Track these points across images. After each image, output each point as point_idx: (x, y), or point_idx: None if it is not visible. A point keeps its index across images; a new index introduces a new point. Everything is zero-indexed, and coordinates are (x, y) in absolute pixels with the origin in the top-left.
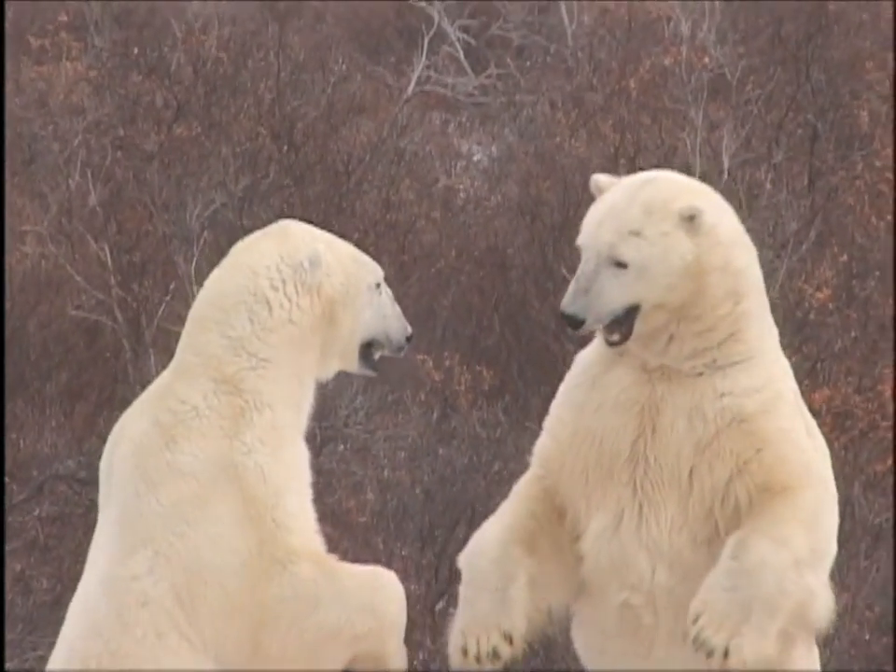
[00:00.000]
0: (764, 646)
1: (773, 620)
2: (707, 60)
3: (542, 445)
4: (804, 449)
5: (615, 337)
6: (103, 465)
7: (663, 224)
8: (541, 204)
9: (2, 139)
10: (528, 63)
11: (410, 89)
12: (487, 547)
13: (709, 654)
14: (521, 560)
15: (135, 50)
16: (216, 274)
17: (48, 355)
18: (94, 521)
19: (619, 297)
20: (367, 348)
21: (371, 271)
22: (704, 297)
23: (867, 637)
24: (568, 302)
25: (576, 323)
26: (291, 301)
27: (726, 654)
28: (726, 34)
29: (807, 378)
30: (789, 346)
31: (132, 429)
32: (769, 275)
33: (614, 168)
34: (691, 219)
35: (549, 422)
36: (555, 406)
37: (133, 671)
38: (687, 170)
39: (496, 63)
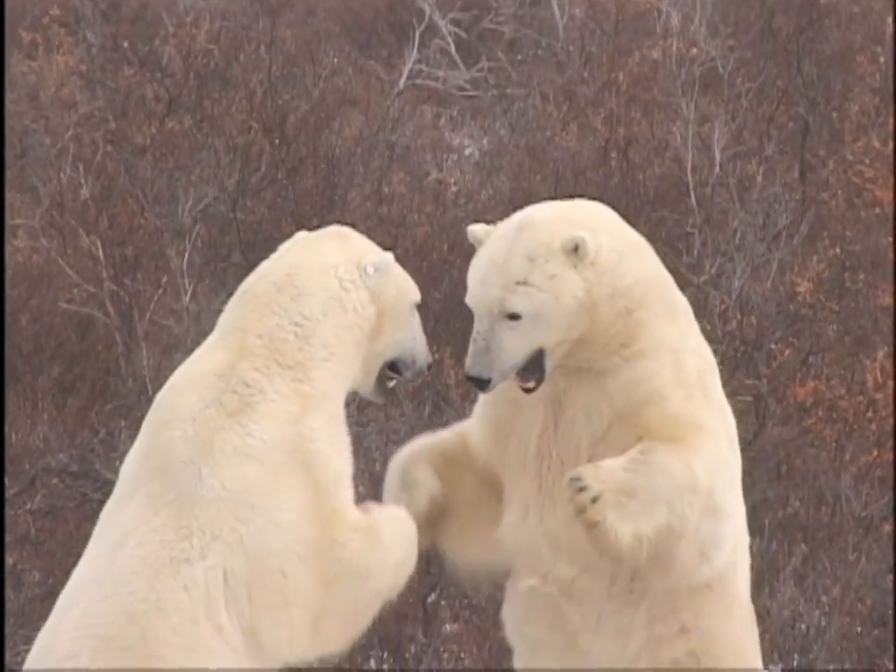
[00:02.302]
0: (627, 529)
1: (647, 517)
2: (696, 52)
3: (472, 430)
4: (691, 433)
5: (530, 384)
6: (142, 443)
7: (547, 267)
8: (533, 197)
9: (1, 134)
10: (520, 57)
11: (401, 82)
12: (404, 453)
13: (579, 491)
14: (427, 477)
15: (126, 44)
16: (273, 266)
17: (39, 348)
18: (87, 513)
19: (519, 348)
20: (384, 372)
21: (415, 290)
22: (600, 323)
23: (858, 630)
24: (471, 364)
25: (482, 383)
26: (362, 305)
27: (594, 500)
28: (717, 26)
29: (798, 371)
30: (780, 340)
31: (187, 410)
32: (761, 267)
33: (606, 161)
34: (574, 251)
35: (475, 410)
36: (480, 399)
37: (163, 670)
38: (678, 163)
39: (487, 56)
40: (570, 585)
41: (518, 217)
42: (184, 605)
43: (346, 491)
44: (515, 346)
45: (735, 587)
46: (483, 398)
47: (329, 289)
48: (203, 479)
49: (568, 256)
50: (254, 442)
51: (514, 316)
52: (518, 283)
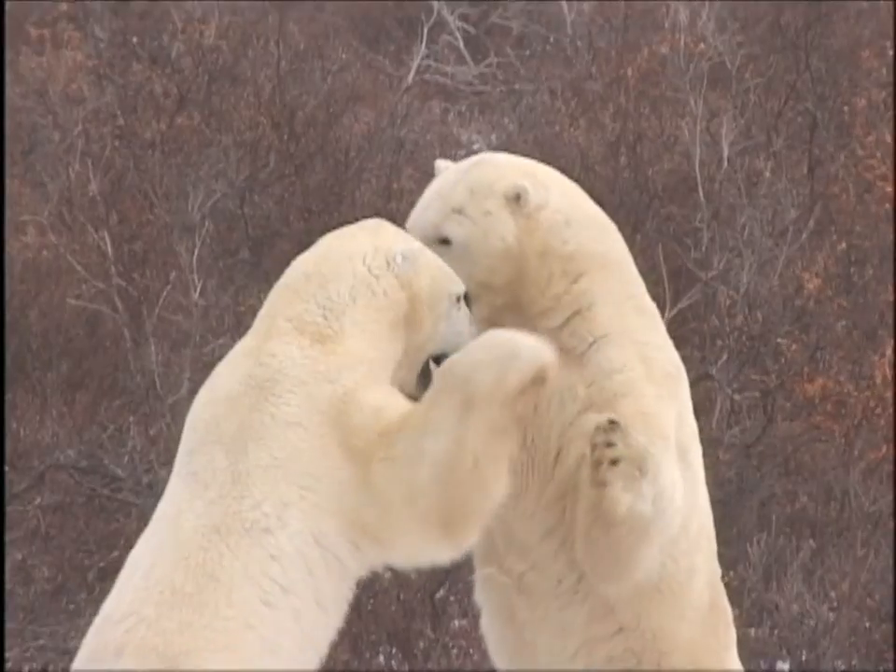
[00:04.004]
0: (626, 501)
1: (643, 502)
2: (704, 48)
3: None
4: (659, 439)
5: None
6: (187, 429)
7: (486, 203)
8: None
9: (1, 130)
10: (528, 52)
11: (409, 77)
12: None
13: (607, 445)
14: None
15: (135, 40)
16: (306, 257)
17: (48, 344)
18: (96, 509)
19: None
20: (428, 368)
21: (456, 282)
22: (527, 279)
23: (867, 625)
24: None
25: None
26: (392, 290)
27: (613, 462)
28: (725, 22)
29: (806, 366)
30: (787, 335)
31: (221, 389)
32: (769, 262)
33: (615, 156)
34: (516, 199)
35: None
36: None
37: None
38: (686, 158)
39: (495, 51)
40: (520, 579)
41: (479, 155)
42: (275, 573)
43: (390, 410)
44: None
45: (689, 592)
46: None
47: (358, 275)
48: (249, 452)
49: (508, 201)
50: (291, 409)
51: (445, 241)
52: (454, 210)
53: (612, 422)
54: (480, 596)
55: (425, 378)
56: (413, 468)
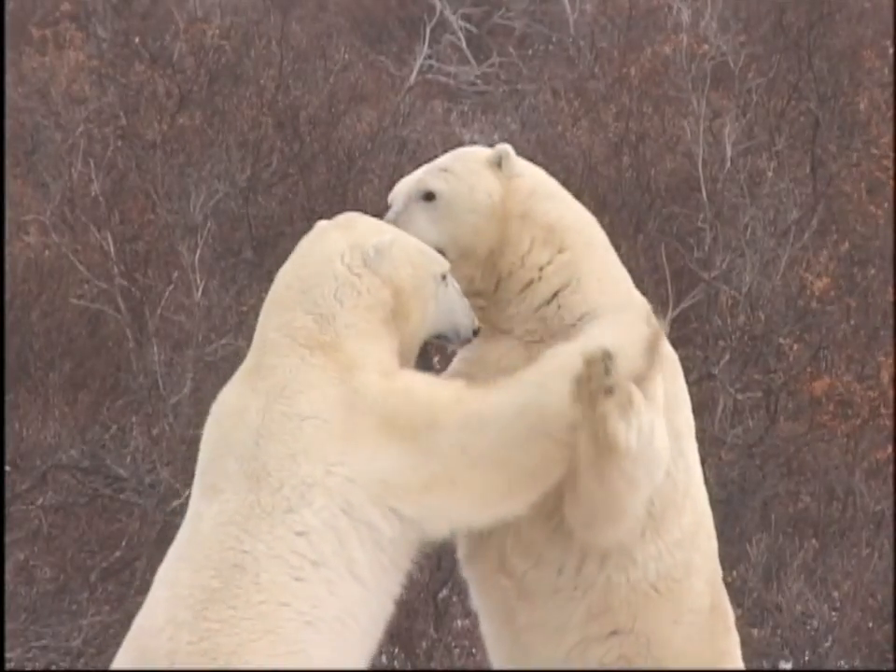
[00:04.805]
0: (622, 429)
1: (636, 434)
2: (708, 48)
3: None
4: (651, 396)
5: None
6: (200, 453)
7: (470, 163)
8: None
9: (2, 129)
10: (530, 52)
11: (412, 77)
12: None
13: (606, 371)
14: None
15: (137, 40)
16: (285, 267)
17: (50, 344)
18: (98, 509)
19: (427, 231)
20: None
21: (438, 261)
22: (508, 244)
23: (870, 625)
24: None
25: None
26: (375, 288)
27: (608, 391)
28: (728, 22)
29: (809, 366)
30: (790, 335)
31: (227, 407)
32: (771, 262)
33: (617, 156)
34: (498, 163)
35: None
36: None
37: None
38: (689, 158)
39: (498, 51)
40: (521, 579)
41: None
42: (302, 548)
43: (422, 386)
44: (423, 228)
45: (687, 592)
46: (457, 366)
47: (339, 276)
48: (261, 448)
49: (492, 165)
50: (304, 406)
51: (429, 196)
52: (440, 168)
53: (605, 352)
54: (477, 601)
55: (422, 362)
56: (479, 434)
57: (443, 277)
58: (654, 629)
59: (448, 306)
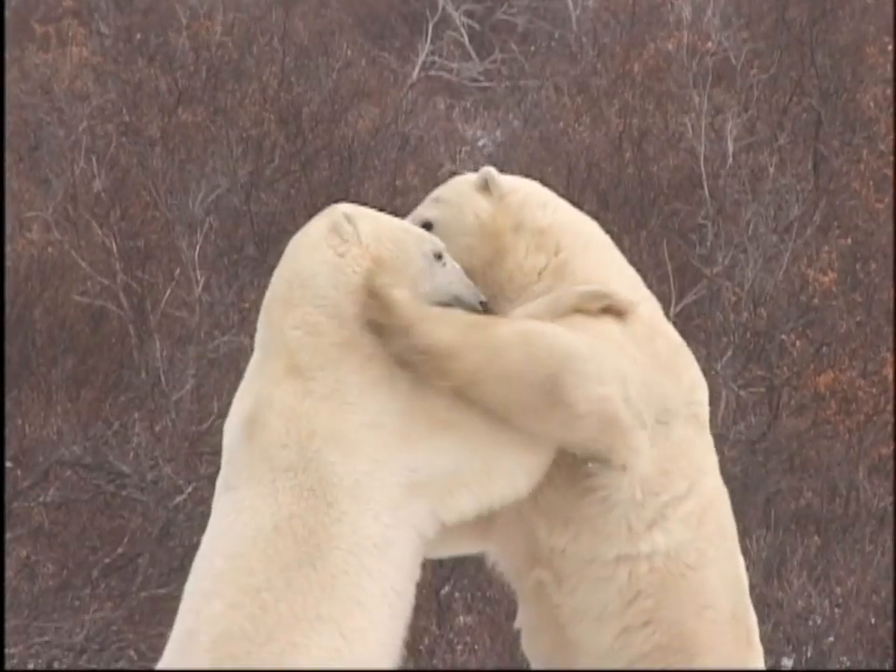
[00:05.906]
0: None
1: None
2: (710, 44)
3: None
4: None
5: None
6: (225, 451)
7: (459, 189)
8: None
9: (2, 127)
10: (533, 48)
11: (414, 74)
12: None
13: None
14: None
15: (139, 36)
16: (279, 267)
17: (53, 341)
18: (100, 506)
19: None
20: None
21: (425, 239)
22: (504, 256)
23: (872, 622)
24: None
25: None
26: (357, 263)
27: None
28: (730, 18)
29: (812, 362)
30: (793, 331)
31: (240, 412)
32: (773, 258)
33: (620, 153)
34: (485, 184)
35: None
36: None
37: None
38: (691, 154)
39: (500, 47)
40: (561, 560)
41: None
42: (303, 512)
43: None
44: None
45: (702, 582)
46: None
47: (328, 261)
48: (322, 451)
49: (480, 188)
50: (366, 407)
51: (427, 226)
52: (434, 199)
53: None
54: (522, 614)
55: None
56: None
57: (439, 256)
58: (678, 619)
59: (446, 286)
